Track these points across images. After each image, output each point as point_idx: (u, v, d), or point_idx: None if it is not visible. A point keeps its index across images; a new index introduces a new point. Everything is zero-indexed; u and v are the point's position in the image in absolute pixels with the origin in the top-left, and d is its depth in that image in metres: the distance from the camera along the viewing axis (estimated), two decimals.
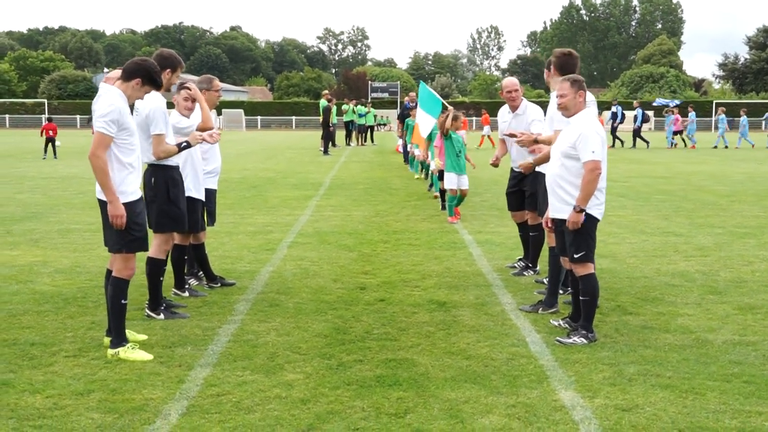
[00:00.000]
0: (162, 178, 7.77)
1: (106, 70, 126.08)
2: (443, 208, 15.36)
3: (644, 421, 5.27)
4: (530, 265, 10.07)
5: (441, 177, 15.38)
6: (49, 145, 32.35)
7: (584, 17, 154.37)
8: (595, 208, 7.13)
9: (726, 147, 42.69)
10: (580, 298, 7.25)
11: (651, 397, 5.71)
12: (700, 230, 13.45)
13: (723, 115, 44.79)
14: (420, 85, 18.26)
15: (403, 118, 28.43)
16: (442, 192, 15.43)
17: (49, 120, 34.10)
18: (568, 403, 5.59)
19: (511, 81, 10.05)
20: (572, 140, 7.11)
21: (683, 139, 44.53)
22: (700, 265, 10.43)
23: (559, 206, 7.28)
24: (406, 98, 29.48)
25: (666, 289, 9.14)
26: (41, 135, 32.92)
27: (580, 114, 7.21)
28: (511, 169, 10.05)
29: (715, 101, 78.58)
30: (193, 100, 8.39)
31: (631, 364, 6.45)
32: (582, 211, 7.02)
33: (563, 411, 5.47)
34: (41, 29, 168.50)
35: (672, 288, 9.17)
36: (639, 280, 9.61)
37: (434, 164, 16.94)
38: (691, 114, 45.29)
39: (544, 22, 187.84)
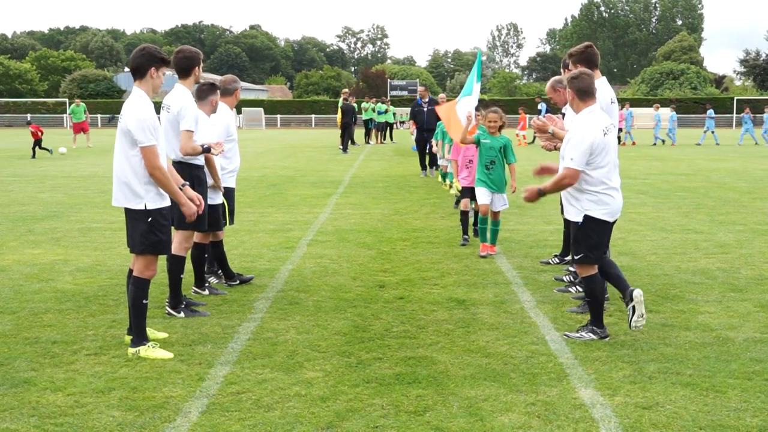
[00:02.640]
0: (188, 177, 7.81)
1: (126, 69, 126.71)
2: (464, 240, 11.98)
3: (665, 420, 5.25)
4: (556, 254, 10.28)
5: (466, 195, 12.32)
6: (36, 147, 32.27)
7: (604, 14, 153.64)
8: (598, 209, 7.01)
9: (660, 142, 42.78)
10: (585, 298, 7.26)
11: (671, 395, 5.68)
12: (721, 227, 13.37)
13: (658, 113, 44.82)
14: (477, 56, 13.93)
15: (414, 116, 24.68)
16: (464, 214, 12.22)
17: (29, 123, 34.32)
18: (587, 401, 5.58)
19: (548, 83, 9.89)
20: (565, 144, 7.10)
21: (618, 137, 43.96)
22: (720, 263, 10.38)
23: (567, 207, 7.27)
24: (420, 93, 25.09)
25: (686, 286, 9.09)
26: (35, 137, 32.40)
27: (583, 113, 7.08)
28: None
29: (736, 98, 78.00)
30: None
31: (651, 362, 6.43)
32: (542, 193, 7.13)
33: (583, 409, 5.45)
34: (62, 29, 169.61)
35: (692, 285, 9.12)
36: (659, 277, 9.56)
37: (454, 187, 13.21)
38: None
39: (566, 19, 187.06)
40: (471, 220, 12.42)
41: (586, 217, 7.02)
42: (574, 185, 7.04)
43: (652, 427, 5.14)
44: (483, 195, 11.10)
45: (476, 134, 11.18)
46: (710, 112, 45.13)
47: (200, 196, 7.35)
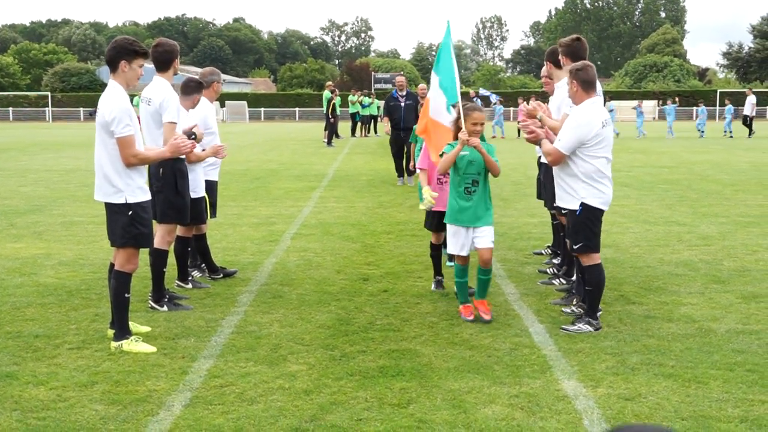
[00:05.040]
0: (170, 170, 7.79)
1: None
2: (437, 284, 8.73)
3: (647, 411, 5.28)
4: (549, 245, 10.43)
5: (437, 226, 8.46)
6: None
7: (588, 6, 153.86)
8: (595, 198, 7.08)
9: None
10: (585, 287, 7.27)
11: (654, 387, 5.71)
12: (704, 219, 13.43)
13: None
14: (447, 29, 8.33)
15: (389, 111, 19.58)
16: (434, 248, 8.76)
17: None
18: (571, 393, 5.60)
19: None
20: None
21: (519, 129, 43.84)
22: (703, 255, 10.42)
23: (562, 195, 7.28)
24: (398, 83, 19.89)
25: (669, 278, 9.13)
26: None
27: (585, 103, 7.14)
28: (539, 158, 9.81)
29: (719, 90, 78.28)
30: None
31: (634, 353, 6.45)
32: (539, 143, 7.48)
33: (566, 400, 5.47)
34: (44, 22, 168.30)
35: (675, 277, 9.16)
36: (642, 269, 9.60)
37: (425, 199, 8.31)
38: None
39: (549, 11, 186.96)
40: (445, 257, 9.16)
41: (584, 206, 7.09)
42: (568, 173, 7.14)
43: (635, 418, 5.17)
44: (458, 241, 7.51)
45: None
46: (610, 104, 44.22)
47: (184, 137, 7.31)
